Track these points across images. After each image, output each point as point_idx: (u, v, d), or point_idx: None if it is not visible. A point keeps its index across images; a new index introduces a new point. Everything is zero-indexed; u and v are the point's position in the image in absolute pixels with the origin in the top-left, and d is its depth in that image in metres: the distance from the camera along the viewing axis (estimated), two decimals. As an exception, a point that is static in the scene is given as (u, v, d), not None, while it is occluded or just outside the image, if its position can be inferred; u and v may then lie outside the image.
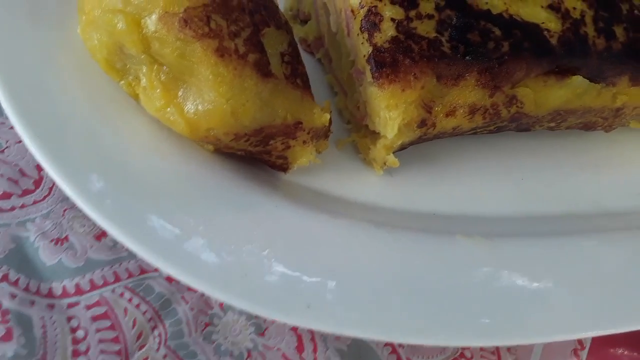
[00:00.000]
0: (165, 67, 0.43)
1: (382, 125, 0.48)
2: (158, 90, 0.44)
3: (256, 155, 0.48)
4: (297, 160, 0.49)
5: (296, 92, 0.46)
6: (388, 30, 0.46)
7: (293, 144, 0.48)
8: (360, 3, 0.48)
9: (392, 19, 0.47)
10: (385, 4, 0.47)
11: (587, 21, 0.52)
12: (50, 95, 0.46)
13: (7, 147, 0.50)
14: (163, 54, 0.42)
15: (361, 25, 0.47)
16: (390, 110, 0.47)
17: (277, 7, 0.46)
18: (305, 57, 0.49)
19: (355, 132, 0.54)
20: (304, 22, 0.62)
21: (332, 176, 0.53)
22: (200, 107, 0.43)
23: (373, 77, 0.46)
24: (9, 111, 0.43)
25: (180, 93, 0.44)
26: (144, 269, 0.47)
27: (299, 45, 0.49)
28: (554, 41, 0.50)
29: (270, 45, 0.45)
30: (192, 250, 0.41)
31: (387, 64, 0.46)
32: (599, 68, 0.52)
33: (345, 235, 0.46)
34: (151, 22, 0.42)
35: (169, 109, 0.44)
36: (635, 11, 0.55)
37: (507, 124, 0.53)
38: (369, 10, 0.47)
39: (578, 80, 0.51)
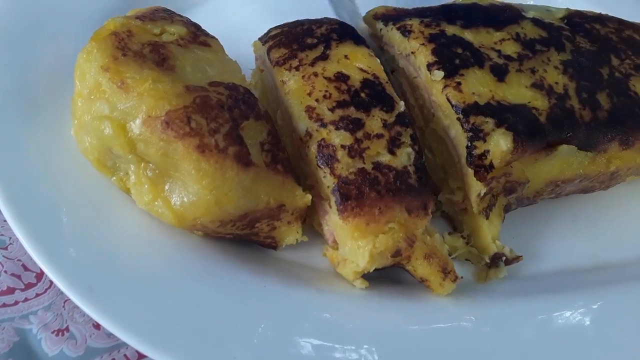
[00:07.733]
0: (151, 165, 0.46)
1: (351, 253, 0.47)
2: (146, 186, 0.47)
3: (244, 237, 0.50)
4: (284, 239, 0.51)
5: (277, 177, 0.48)
6: (346, 158, 0.46)
7: (278, 225, 0.50)
8: (306, 131, 0.48)
9: (343, 146, 0.46)
10: (330, 131, 0.47)
11: (570, 94, 0.52)
12: (46, 197, 0.49)
13: (10, 244, 0.53)
14: (148, 154, 0.45)
15: (317, 161, 0.47)
16: (357, 240, 0.45)
17: (257, 99, 0.49)
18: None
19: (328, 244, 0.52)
20: None
21: (320, 250, 0.54)
22: (185, 199, 0.46)
23: (338, 210, 0.46)
24: (6, 214, 0.46)
25: (166, 187, 0.47)
26: (141, 355, 0.49)
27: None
28: (542, 119, 0.50)
29: (250, 137, 0.47)
30: (183, 340, 0.43)
31: (352, 196, 0.45)
32: (588, 138, 0.51)
33: (336, 310, 0.48)
34: (135, 126, 0.45)
35: (156, 202, 0.47)
36: (616, 73, 0.55)
37: (510, 203, 0.52)
38: (318, 144, 0.47)
39: (564, 149, 0.51)
